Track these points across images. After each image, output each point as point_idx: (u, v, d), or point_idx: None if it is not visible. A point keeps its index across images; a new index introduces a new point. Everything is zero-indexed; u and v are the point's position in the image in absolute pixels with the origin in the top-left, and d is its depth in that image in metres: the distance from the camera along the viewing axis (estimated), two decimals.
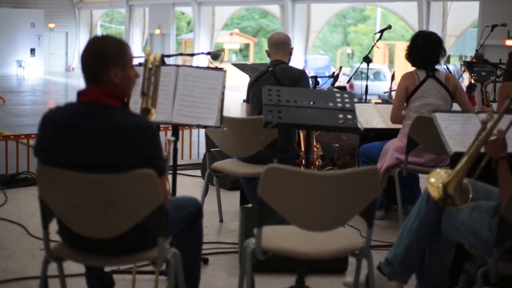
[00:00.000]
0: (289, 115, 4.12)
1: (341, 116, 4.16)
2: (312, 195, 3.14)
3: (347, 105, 4.23)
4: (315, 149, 5.59)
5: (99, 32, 41.93)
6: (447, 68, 7.69)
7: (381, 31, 7.72)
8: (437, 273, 3.76)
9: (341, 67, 6.69)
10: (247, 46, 36.94)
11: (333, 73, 6.24)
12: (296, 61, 26.36)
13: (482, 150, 3.42)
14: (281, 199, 3.16)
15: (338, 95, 4.29)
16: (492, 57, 10.18)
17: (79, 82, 32.71)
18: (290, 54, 5.57)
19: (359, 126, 6.07)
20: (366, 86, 7.84)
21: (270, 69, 5.44)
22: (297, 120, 4.10)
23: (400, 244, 3.76)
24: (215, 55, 4.61)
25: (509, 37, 19.48)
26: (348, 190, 3.16)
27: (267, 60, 5.68)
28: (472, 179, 3.57)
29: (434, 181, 3.38)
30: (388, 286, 3.80)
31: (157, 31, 32.75)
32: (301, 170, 3.14)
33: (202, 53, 4.87)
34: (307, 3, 27.16)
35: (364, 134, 6.16)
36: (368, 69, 7.77)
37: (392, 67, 31.05)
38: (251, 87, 5.52)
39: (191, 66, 4.41)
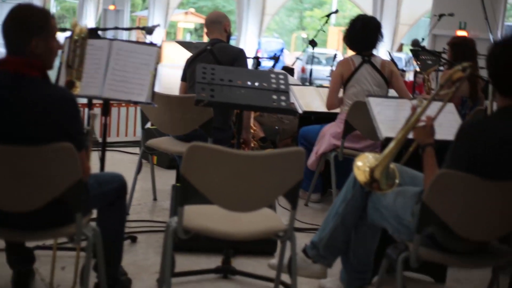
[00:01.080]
0: (222, 94, 4.06)
1: (274, 97, 4.12)
2: (235, 175, 3.09)
3: (282, 87, 4.19)
4: (252, 130, 5.56)
5: (52, 4, 41.27)
6: (390, 57, 7.75)
7: (328, 15, 7.72)
8: (362, 257, 3.75)
9: (282, 49, 6.64)
10: (202, 26, 36.65)
11: (274, 54, 6.19)
12: (249, 44, 26.31)
13: (411, 136, 3.41)
14: (204, 178, 3.11)
15: (273, 76, 4.25)
16: (443, 47, 10.23)
17: None
18: (227, 31, 5.51)
19: (296, 108, 6.07)
20: (311, 69, 7.83)
21: (208, 47, 5.37)
22: (229, 100, 4.05)
23: (326, 227, 3.74)
24: (150, 30, 4.53)
25: (460, 28, 19.68)
26: (272, 171, 3.12)
27: None
28: (400, 164, 3.57)
29: (361, 165, 3.37)
30: (313, 269, 3.78)
31: (111, 7, 32.33)
32: (224, 149, 3.08)
33: (138, 27, 4.78)
34: None
35: (304, 117, 6.14)
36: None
37: (346, 53, 31.15)
38: (188, 65, 5.46)
39: (125, 41, 4.30)
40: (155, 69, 4.16)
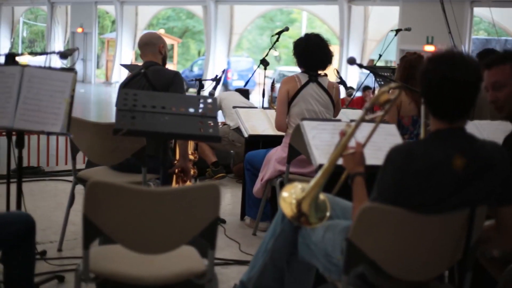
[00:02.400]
0: (144, 122, 3.75)
1: (201, 123, 3.81)
2: (141, 214, 2.78)
3: (209, 112, 3.88)
4: (192, 157, 5.23)
5: (21, 29, 40.85)
6: (338, 75, 7.50)
7: (278, 33, 7.44)
8: None
9: (224, 70, 6.35)
10: (171, 47, 36.40)
11: (216, 76, 5.88)
12: (218, 63, 26.04)
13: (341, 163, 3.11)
14: (107, 218, 2.80)
15: (202, 100, 3.95)
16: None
17: None
18: (162, 53, 5.18)
19: (242, 132, 5.77)
20: (263, 90, 7.53)
21: (142, 71, 5.05)
22: (151, 128, 3.74)
23: (255, 265, 3.42)
24: (65, 54, 4.20)
25: (427, 43, 19.55)
26: (183, 209, 2.81)
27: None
28: (332, 195, 3.26)
29: (287, 196, 3.04)
30: None
31: (79, 30, 31.97)
32: (127, 186, 2.77)
33: (53, 52, 4.44)
34: (230, 4, 26.84)
35: (251, 141, 5.83)
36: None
37: None
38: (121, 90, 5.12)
39: (39, 67, 3.97)
40: (72, 97, 3.83)
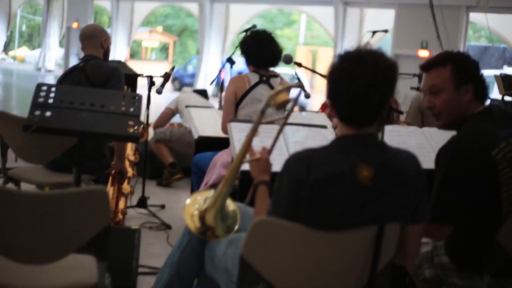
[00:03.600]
0: (58, 118, 3.48)
1: (121, 122, 3.54)
2: (20, 219, 2.50)
3: (131, 110, 3.61)
4: (131, 158, 4.96)
5: (18, 23, 40.61)
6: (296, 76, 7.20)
7: (246, 31, 7.16)
8: None
9: (173, 67, 6.06)
10: (167, 45, 36.19)
11: (165, 73, 5.59)
12: (212, 62, 25.73)
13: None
14: None
15: (125, 97, 3.67)
16: (405, 67, 9.65)
17: None
18: (103, 47, 4.90)
19: (193, 133, 5.49)
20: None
21: (81, 64, 4.77)
22: (65, 125, 3.47)
23: (161, 278, 3.13)
24: None
25: (422, 47, 19.24)
26: (64, 215, 2.53)
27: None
28: (244, 204, 2.98)
29: (188, 208, 2.75)
30: None
31: (75, 25, 31.65)
32: (5, 188, 2.50)
33: None
34: (226, 3, 26.53)
35: (201, 142, 5.54)
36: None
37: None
38: (59, 84, 4.84)
39: None
40: None
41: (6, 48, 39.91)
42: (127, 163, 4.95)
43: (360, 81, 2.37)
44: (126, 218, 5.79)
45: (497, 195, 2.90)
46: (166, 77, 5.55)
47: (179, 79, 29.62)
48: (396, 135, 4.25)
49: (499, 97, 8.43)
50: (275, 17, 40.33)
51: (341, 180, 2.37)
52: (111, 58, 5.11)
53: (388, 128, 4.21)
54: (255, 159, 2.76)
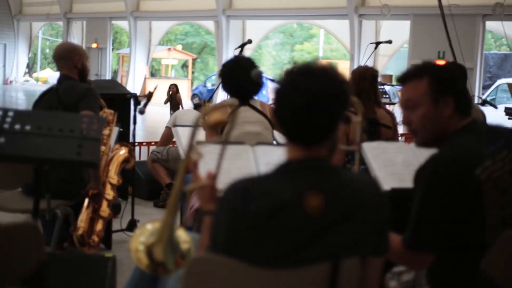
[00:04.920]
0: (12, 145, 3.28)
1: (79, 147, 3.34)
2: None
3: (92, 133, 3.41)
4: (113, 182, 4.76)
5: (39, 44, 40.88)
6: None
7: (242, 46, 6.99)
8: None
9: (156, 86, 5.86)
10: (186, 62, 36.17)
11: (149, 92, 5.40)
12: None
13: None
14: None
15: (86, 120, 3.48)
16: None
17: (17, 95, 31.63)
18: (77, 67, 4.66)
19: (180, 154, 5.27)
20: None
21: (55, 86, 4.60)
22: (19, 152, 3.28)
23: None
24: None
25: (439, 57, 18.95)
26: None
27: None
28: (198, 235, 2.76)
29: (135, 241, 2.52)
30: None
31: (94, 45, 31.82)
32: None
33: None
34: (241, 19, 26.43)
35: None
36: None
37: None
38: (34, 107, 4.67)
39: None
40: None
41: (30, 70, 40.22)
42: (108, 186, 4.76)
43: (304, 93, 2.15)
44: (114, 243, 5.63)
45: (481, 219, 2.64)
46: (149, 96, 5.36)
47: (198, 96, 29.57)
48: (381, 152, 4.01)
49: None
50: (294, 31, 40.24)
51: (286, 212, 2.13)
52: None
53: (372, 145, 3.98)
54: (199, 186, 2.53)
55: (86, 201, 4.55)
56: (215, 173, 2.58)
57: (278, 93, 2.23)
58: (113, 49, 33.42)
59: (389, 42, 8.41)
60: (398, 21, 20.92)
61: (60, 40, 41.71)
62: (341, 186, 2.21)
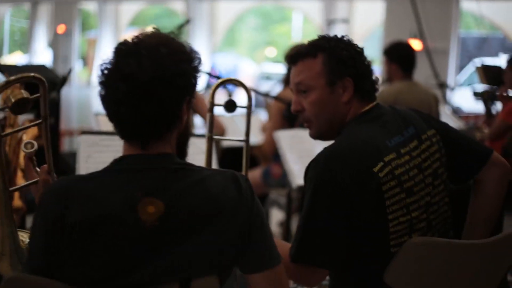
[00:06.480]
0: None
1: None
2: None
3: None
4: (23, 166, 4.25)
5: (7, 28, 40.20)
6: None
7: (180, 26, 6.51)
8: None
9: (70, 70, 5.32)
10: None
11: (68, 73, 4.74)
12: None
13: None
14: None
15: None
16: None
17: None
18: None
19: None
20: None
21: None
22: None
23: None
24: None
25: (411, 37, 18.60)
26: None
27: None
28: None
29: None
30: None
31: (61, 29, 31.32)
32: None
33: None
34: (210, 1, 26.07)
35: None
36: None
37: None
38: None
39: None
40: None
41: None
42: (20, 174, 4.23)
43: (129, 78, 1.71)
44: None
45: (383, 224, 2.18)
46: (62, 80, 4.64)
47: None
48: (297, 143, 3.57)
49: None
50: (269, 13, 39.87)
51: (115, 222, 1.68)
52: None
53: (288, 134, 3.54)
54: (31, 183, 2.01)
55: None
56: (48, 168, 2.01)
57: (100, 80, 1.78)
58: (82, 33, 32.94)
59: (346, 21, 7.98)
60: (372, 1, 20.59)
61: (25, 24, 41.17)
62: (188, 188, 1.75)
